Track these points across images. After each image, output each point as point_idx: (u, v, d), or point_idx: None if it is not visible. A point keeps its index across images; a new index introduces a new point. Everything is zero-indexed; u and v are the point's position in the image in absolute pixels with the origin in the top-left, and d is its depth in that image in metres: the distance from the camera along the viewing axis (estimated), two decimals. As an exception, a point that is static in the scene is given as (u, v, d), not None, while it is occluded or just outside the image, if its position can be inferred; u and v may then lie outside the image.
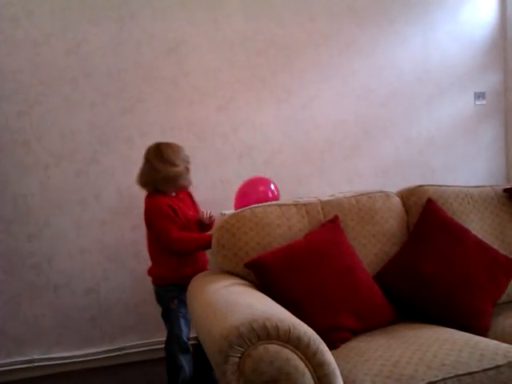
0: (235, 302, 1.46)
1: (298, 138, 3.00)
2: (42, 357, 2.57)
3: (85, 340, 2.64)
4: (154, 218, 2.11)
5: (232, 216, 1.96)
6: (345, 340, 1.65)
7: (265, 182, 2.63)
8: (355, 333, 1.71)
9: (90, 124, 2.63)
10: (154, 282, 2.23)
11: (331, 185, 3.05)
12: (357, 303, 1.72)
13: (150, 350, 2.72)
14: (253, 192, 2.55)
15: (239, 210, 1.97)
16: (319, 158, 3.05)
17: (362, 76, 3.13)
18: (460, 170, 3.33)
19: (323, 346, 1.29)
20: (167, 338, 2.18)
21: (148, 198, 2.18)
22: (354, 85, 3.11)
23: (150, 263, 2.23)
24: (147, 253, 2.23)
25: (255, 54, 2.90)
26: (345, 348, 1.59)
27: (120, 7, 2.67)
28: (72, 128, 2.59)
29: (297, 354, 1.26)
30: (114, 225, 2.67)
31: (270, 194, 2.57)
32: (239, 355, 1.23)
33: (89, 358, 2.64)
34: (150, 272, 2.24)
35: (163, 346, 2.19)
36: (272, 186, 2.63)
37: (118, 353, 2.68)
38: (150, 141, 2.68)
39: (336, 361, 1.41)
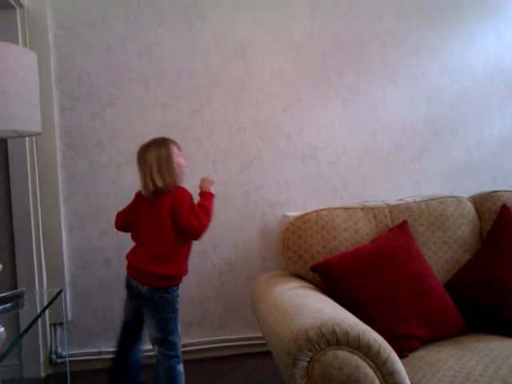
0: (303, 306, 1.46)
1: (363, 140, 2.95)
2: (110, 350, 2.65)
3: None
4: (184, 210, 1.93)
5: (298, 218, 1.96)
6: (413, 349, 1.61)
7: None
8: (424, 342, 1.67)
9: (161, 125, 2.71)
10: (170, 283, 1.96)
11: (397, 188, 2.98)
12: (426, 311, 1.67)
13: (213, 348, 2.77)
14: None
15: (305, 213, 1.96)
16: (385, 159, 2.99)
17: (431, 76, 3.04)
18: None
19: (394, 355, 1.27)
20: (171, 346, 1.96)
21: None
22: (424, 85, 3.03)
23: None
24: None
25: (321, 54, 2.88)
26: (413, 357, 1.56)
27: (189, 10, 2.73)
28: (143, 129, 2.68)
29: (366, 362, 1.24)
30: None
31: None
32: (308, 359, 1.24)
33: (149, 354, 2.70)
34: (171, 271, 1.95)
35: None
36: None
37: (183, 349, 2.73)
38: (217, 141, 2.76)
39: (405, 370, 1.38)
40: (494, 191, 2.10)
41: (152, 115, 2.70)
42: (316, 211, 1.95)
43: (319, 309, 1.40)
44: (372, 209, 2.00)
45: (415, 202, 2.03)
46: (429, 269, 1.81)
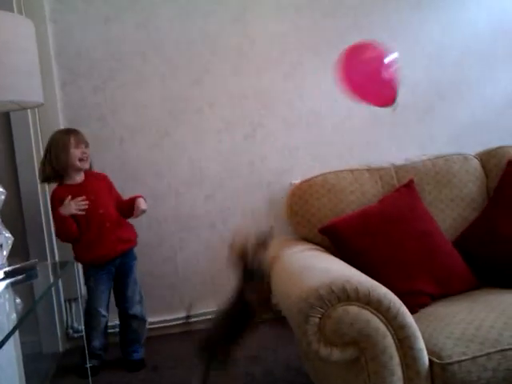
0: (312, 266, 1.48)
1: (367, 103, 2.92)
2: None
3: (164, 307, 2.76)
4: None
5: (304, 183, 1.97)
6: (423, 305, 1.62)
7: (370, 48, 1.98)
8: (434, 298, 1.68)
9: (161, 96, 2.69)
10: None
11: (402, 149, 2.94)
12: (435, 268, 1.69)
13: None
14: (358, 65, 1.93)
15: (310, 177, 1.96)
16: (390, 122, 2.95)
17: (433, 34, 2.98)
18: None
19: (404, 309, 1.29)
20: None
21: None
22: (426, 43, 2.97)
23: None
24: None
25: (321, 16, 2.83)
26: (424, 313, 1.57)
27: (185, -22, 2.68)
28: (144, 102, 2.66)
29: (377, 317, 1.26)
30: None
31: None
32: (319, 316, 1.25)
33: (167, 324, 2.75)
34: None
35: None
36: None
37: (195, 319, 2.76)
38: (219, 111, 2.74)
39: (417, 325, 1.40)
40: (500, 147, 2.09)
41: (152, 87, 2.68)
42: (322, 175, 1.95)
43: (328, 268, 1.41)
44: (378, 170, 2.00)
45: (421, 161, 2.03)
46: (436, 227, 1.82)
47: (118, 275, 2.37)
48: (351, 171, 1.97)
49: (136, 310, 2.39)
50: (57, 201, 2.25)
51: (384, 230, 1.71)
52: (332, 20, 2.84)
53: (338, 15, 2.85)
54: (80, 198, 2.24)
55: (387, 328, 1.26)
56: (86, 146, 2.32)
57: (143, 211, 2.33)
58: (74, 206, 2.22)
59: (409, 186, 1.89)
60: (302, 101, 2.83)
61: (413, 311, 1.56)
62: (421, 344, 1.28)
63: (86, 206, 2.24)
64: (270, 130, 2.80)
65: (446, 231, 1.89)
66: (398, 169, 2.00)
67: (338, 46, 2.83)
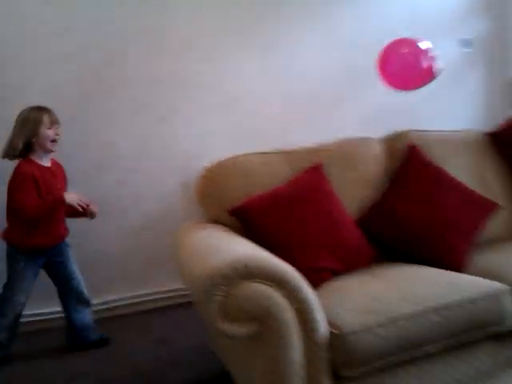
0: (217, 247, 1.50)
1: (284, 88, 2.97)
2: (30, 312, 2.56)
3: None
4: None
5: (215, 165, 1.98)
6: (326, 280, 1.70)
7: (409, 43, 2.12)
8: (337, 274, 1.76)
9: (72, 78, 2.58)
10: None
11: (318, 134, 3.00)
12: (338, 245, 1.76)
13: (138, 302, 2.78)
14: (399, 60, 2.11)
15: (221, 160, 1.98)
16: (305, 107, 3.03)
17: (348, 23, 3.08)
18: (446, 116, 3.33)
19: (304, 284, 1.34)
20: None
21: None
22: (341, 32, 3.07)
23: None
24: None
25: (241, 1, 2.83)
26: (327, 287, 1.64)
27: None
28: (54, 82, 2.54)
29: (279, 292, 1.30)
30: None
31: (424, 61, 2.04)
32: (223, 294, 1.27)
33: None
34: None
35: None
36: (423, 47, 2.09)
37: (106, 306, 2.72)
38: (133, 93, 2.67)
39: (319, 299, 1.46)
40: (402, 132, 2.21)
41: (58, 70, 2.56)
42: (233, 157, 1.97)
43: (233, 248, 1.44)
44: (289, 153, 2.04)
45: (328, 144, 2.10)
46: (341, 207, 1.90)
47: (54, 262, 2.29)
48: (263, 154, 2.00)
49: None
50: (28, 175, 2.10)
51: (291, 210, 1.76)
52: (251, 5, 2.85)
53: (258, 1, 2.87)
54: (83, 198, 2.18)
55: (288, 302, 1.31)
56: (58, 126, 2.20)
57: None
58: (77, 200, 2.14)
59: (317, 168, 1.95)
60: (219, 85, 2.83)
61: (316, 286, 1.64)
62: (320, 316, 1.34)
63: (84, 206, 2.17)
64: (185, 114, 2.78)
65: (351, 211, 1.98)
66: (308, 152, 2.05)
67: (256, 31, 2.90)
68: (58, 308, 2.40)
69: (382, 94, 3.17)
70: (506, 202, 2.20)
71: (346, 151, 2.09)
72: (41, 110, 2.16)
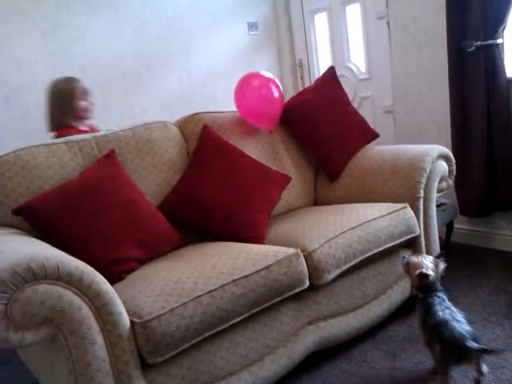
0: (-2, 251, 1.34)
1: (72, 74, 2.78)
2: None
3: None
4: None
5: (-7, 162, 1.76)
6: (131, 270, 1.66)
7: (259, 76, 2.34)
8: (143, 262, 1.73)
9: None
10: None
11: (116, 122, 2.92)
12: (140, 233, 1.73)
13: None
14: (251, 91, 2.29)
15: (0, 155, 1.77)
16: (100, 94, 2.89)
17: (135, 6, 3.01)
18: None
19: (98, 277, 1.28)
20: None
21: None
22: (129, 16, 2.98)
23: None
24: None
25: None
26: (131, 277, 1.61)
27: None
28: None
29: (70, 290, 1.23)
30: None
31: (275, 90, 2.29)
32: (5, 302, 1.15)
33: None
34: None
35: None
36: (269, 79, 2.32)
37: None
38: None
39: (121, 290, 1.42)
40: (196, 113, 2.24)
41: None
42: (13, 151, 1.78)
43: (16, 250, 1.30)
44: (77, 142, 1.92)
45: (122, 130, 2.03)
46: (140, 193, 1.86)
47: None
48: (47, 145, 1.85)
49: None
50: None
51: (85, 202, 1.66)
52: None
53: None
54: None
55: (82, 299, 1.24)
56: (90, 94, 2.36)
57: None
58: None
59: (110, 155, 1.87)
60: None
61: (120, 278, 1.59)
62: (119, 308, 1.30)
63: None
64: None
65: (151, 196, 1.95)
66: (98, 140, 1.96)
67: (32, 15, 2.64)
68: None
69: (178, 79, 3.22)
70: (297, 173, 2.40)
71: (140, 136, 2.04)
72: (69, 81, 2.32)
